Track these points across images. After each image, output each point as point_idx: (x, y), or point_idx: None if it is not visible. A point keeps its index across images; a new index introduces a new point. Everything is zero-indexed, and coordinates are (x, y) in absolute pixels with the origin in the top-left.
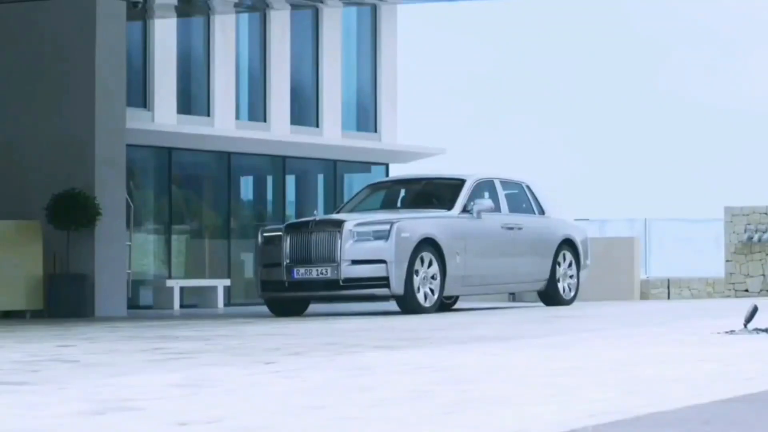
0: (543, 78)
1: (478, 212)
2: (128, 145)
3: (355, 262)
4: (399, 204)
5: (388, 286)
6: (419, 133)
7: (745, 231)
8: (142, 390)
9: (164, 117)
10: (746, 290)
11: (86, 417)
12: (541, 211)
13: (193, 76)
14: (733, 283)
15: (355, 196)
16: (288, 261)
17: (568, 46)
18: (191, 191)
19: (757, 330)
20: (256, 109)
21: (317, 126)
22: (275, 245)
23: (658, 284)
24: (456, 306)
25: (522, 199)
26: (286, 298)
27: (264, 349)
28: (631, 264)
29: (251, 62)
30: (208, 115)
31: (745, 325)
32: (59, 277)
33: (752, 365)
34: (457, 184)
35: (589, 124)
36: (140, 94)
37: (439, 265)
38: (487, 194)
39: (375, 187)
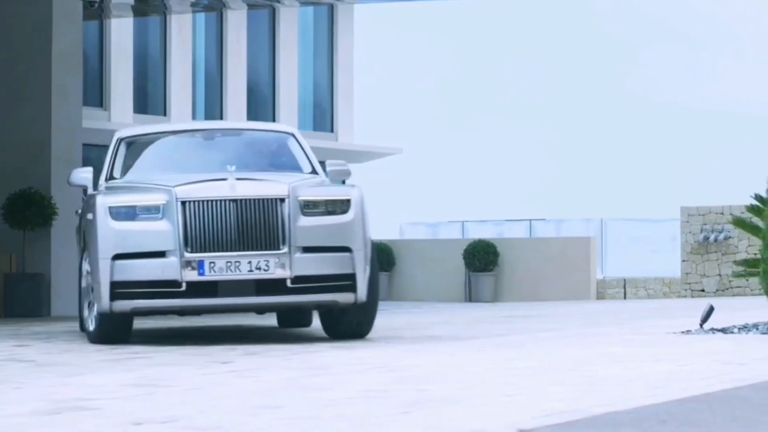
0: (500, 78)
1: (333, 179)
2: (84, 145)
3: (307, 249)
4: (215, 164)
5: (353, 289)
6: (376, 133)
7: (702, 231)
8: (97, 390)
9: (121, 116)
10: (702, 290)
11: (42, 417)
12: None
13: (149, 76)
14: (690, 283)
15: (115, 154)
16: (189, 249)
17: (526, 46)
18: None
19: (713, 330)
20: (213, 108)
21: None
22: (147, 223)
23: (615, 284)
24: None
25: None
26: (186, 309)
27: (220, 348)
28: (588, 264)
29: (208, 62)
30: (165, 114)
31: (701, 325)
32: (15, 277)
33: (708, 365)
34: (282, 137)
35: (544, 124)
36: (97, 94)
37: None
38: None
39: (140, 141)
